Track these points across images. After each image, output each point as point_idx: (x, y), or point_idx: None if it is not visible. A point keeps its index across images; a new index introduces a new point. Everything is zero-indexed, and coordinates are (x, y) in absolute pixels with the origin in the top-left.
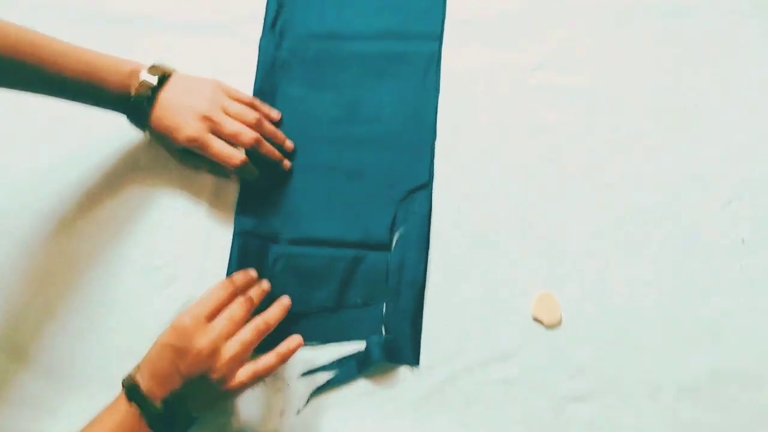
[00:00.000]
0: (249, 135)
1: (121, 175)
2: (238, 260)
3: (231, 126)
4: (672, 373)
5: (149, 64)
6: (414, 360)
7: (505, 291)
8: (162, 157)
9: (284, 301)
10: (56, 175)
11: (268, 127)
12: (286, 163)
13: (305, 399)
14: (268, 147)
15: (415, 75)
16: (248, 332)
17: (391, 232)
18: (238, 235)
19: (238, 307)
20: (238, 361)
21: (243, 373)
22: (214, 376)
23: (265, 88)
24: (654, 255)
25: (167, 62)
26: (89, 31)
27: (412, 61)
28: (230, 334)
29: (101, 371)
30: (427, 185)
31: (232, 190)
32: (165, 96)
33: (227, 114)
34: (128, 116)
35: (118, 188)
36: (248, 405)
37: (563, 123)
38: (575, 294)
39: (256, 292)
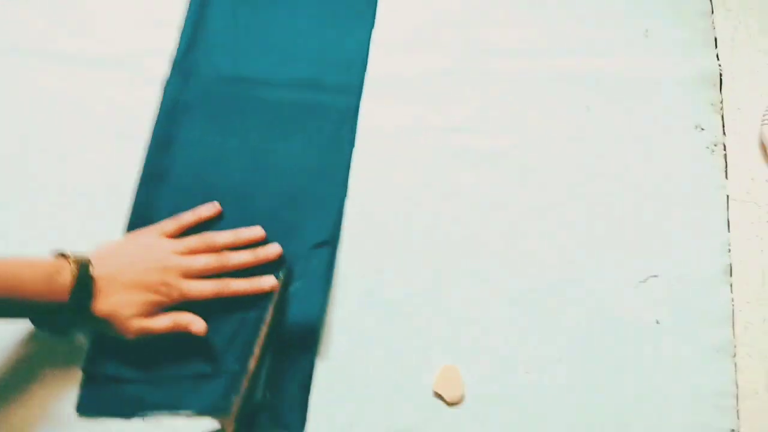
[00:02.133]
0: (216, 290)
1: None
2: None
3: (196, 291)
4: None
5: (59, 255)
6: (299, 427)
7: (408, 363)
8: None
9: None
10: None
11: (236, 261)
12: (263, 283)
13: None
14: (235, 288)
15: (330, 128)
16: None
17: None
18: None
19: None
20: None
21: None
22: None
23: (165, 132)
24: (566, 332)
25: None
26: None
27: (327, 113)
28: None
29: None
30: (330, 243)
31: None
32: (106, 277)
33: (184, 273)
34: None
35: None
36: None
37: (480, 188)
38: (481, 369)
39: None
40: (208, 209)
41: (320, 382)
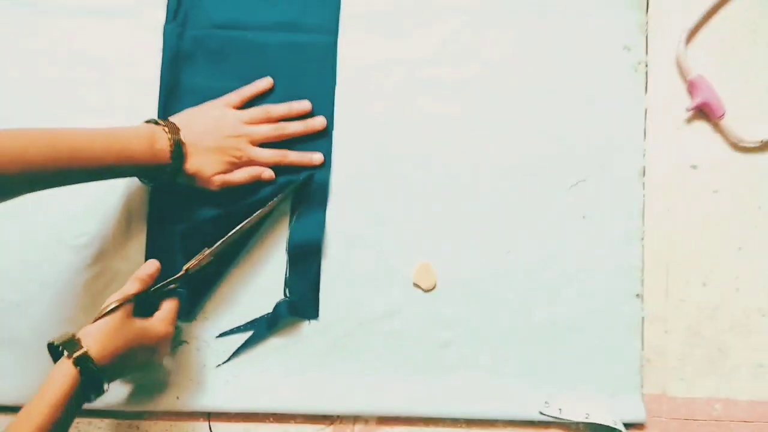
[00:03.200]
0: (278, 157)
1: None
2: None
3: (264, 157)
4: (520, 323)
5: (148, 120)
6: (314, 315)
7: (393, 260)
8: None
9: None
10: None
11: (291, 130)
12: (314, 157)
13: (224, 356)
14: (291, 158)
15: (313, 65)
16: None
17: (291, 213)
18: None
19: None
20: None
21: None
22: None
23: (171, 79)
24: (514, 228)
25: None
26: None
27: (309, 51)
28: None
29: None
30: (324, 167)
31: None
32: (191, 143)
33: (251, 141)
34: (157, 177)
35: None
36: (173, 362)
37: (447, 112)
38: (449, 263)
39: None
40: (264, 83)
41: (325, 278)
